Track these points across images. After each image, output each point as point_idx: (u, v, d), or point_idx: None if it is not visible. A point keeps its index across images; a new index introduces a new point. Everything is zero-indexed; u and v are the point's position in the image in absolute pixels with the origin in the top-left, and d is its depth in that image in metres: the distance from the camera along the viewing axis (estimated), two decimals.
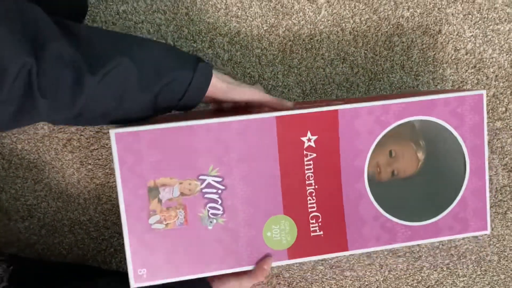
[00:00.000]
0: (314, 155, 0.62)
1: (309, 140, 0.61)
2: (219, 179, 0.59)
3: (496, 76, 0.95)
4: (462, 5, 0.91)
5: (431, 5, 0.91)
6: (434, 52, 0.92)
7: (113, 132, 0.55)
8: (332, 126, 0.62)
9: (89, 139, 0.86)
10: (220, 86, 0.61)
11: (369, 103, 0.64)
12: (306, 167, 0.62)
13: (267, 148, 0.60)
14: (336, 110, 0.62)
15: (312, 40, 0.89)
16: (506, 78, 0.95)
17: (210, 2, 0.85)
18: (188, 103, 0.60)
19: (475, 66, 0.94)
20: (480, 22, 0.93)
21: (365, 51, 0.90)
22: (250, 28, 0.86)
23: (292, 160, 0.61)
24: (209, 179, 0.58)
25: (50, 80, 0.48)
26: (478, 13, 0.92)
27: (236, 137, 0.58)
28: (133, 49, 0.54)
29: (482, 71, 0.94)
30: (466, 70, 0.94)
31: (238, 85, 0.64)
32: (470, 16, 0.92)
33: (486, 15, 0.92)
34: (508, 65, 0.94)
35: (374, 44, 0.90)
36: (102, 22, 0.82)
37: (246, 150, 0.59)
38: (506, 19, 0.93)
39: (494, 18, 0.93)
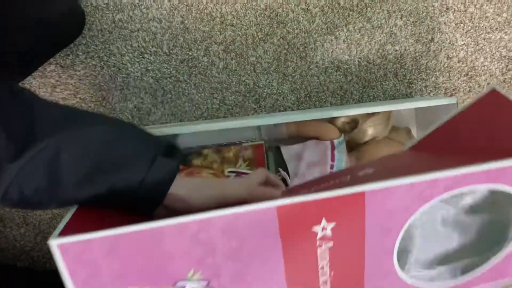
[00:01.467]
0: (331, 244, 0.47)
1: (324, 228, 0.47)
2: (204, 283, 0.46)
3: (488, 83, 0.96)
4: (454, 14, 0.93)
5: (423, 14, 0.92)
6: (426, 60, 0.94)
7: (55, 242, 0.41)
8: (356, 210, 0.46)
9: None
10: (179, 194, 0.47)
11: (405, 178, 0.44)
12: (319, 258, 0.48)
13: (266, 243, 0.46)
14: (363, 193, 0.45)
15: (306, 49, 0.89)
16: (497, 85, 0.96)
17: (205, 11, 0.86)
18: (141, 206, 0.46)
19: (467, 74, 0.95)
20: (472, 31, 0.94)
21: (359, 59, 0.91)
22: (245, 36, 0.87)
23: (301, 252, 0.47)
24: (190, 285, 0.46)
25: None
26: (470, 22, 0.93)
27: (221, 235, 0.45)
28: (73, 127, 0.43)
29: (474, 79, 0.95)
30: (459, 78, 0.95)
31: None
32: (462, 25, 0.93)
33: (477, 24, 0.94)
34: (499, 73, 0.96)
35: (368, 52, 0.91)
36: (98, 31, 0.83)
37: (238, 245, 0.45)
38: (497, 28, 0.94)
39: (485, 27, 0.94)
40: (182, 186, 0.47)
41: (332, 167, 0.83)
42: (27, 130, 0.41)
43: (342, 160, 0.83)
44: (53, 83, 0.83)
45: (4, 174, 0.41)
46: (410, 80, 0.94)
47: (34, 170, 0.41)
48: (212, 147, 0.76)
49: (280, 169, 0.81)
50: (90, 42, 0.83)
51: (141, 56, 0.85)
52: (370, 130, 0.84)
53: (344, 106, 0.90)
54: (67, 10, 0.74)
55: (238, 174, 0.66)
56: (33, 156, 0.41)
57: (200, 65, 0.87)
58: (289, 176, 0.81)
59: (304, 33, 0.89)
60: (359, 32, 0.91)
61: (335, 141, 0.83)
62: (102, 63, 0.84)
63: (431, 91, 0.95)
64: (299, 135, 0.85)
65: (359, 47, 0.91)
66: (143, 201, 0.45)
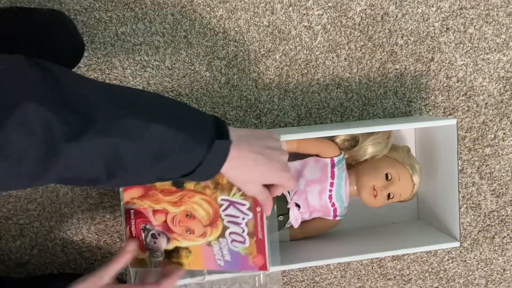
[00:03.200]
0: None
1: None
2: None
3: (486, 103, 0.97)
4: (454, 35, 0.94)
5: (424, 34, 0.93)
6: (426, 79, 0.94)
7: None
8: None
9: None
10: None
11: None
12: None
13: None
14: None
15: (308, 65, 0.90)
16: (495, 105, 0.97)
17: (208, 26, 0.86)
18: (196, 179, 0.52)
19: (465, 94, 0.96)
20: (471, 51, 0.95)
21: (360, 77, 0.92)
22: (247, 52, 0.88)
23: None
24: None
25: (14, 148, 0.39)
26: (469, 42, 0.95)
27: None
28: (136, 111, 0.46)
29: (473, 99, 0.97)
30: (457, 98, 0.96)
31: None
32: (461, 45, 0.94)
33: (477, 45, 0.95)
34: (497, 93, 0.97)
35: (369, 70, 0.92)
36: (100, 43, 0.83)
37: None
38: (495, 49, 0.95)
39: (484, 48, 0.95)
40: (231, 167, 0.53)
41: (332, 184, 0.83)
42: (78, 110, 0.42)
43: (342, 178, 0.84)
44: None
45: (61, 153, 0.41)
46: (409, 99, 0.94)
47: (93, 155, 0.43)
48: None
49: None
50: (92, 54, 0.83)
51: (143, 70, 0.85)
52: (370, 149, 0.85)
53: (345, 123, 0.90)
54: (67, 43, 0.74)
55: (231, 203, 0.65)
56: (91, 139, 0.42)
57: (202, 79, 0.87)
58: (289, 193, 0.81)
59: (306, 50, 0.89)
60: (360, 50, 0.91)
61: (335, 159, 0.83)
62: (103, 76, 0.84)
63: (430, 109, 0.95)
64: (299, 151, 0.85)
65: (360, 65, 0.92)
66: (194, 177, 0.51)
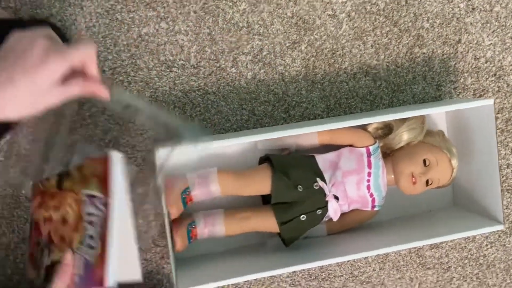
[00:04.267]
0: None
1: None
2: None
3: None
4: (480, 14, 0.92)
5: (449, 15, 0.91)
6: (454, 62, 0.92)
7: None
8: None
9: None
10: None
11: None
12: None
13: None
14: None
15: (334, 55, 0.88)
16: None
17: (232, 21, 0.84)
18: None
19: (495, 74, 0.94)
20: (498, 30, 0.93)
21: (387, 64, 0.90)
22: (272, 45, 0.86)
23: None
24: None
25: None
26: (496, 21, 0.93)
27: None
28: None
29: (503, 79, 0.94)
30: (487, 79, 0.94)
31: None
32: (488, 24, 0.92)
33: (504, 23, 0.93)
34: None
35: (396, 56, 0.90)
36: (124, 46, 0.81)
37: None
38: None
39: (511, 26, 0.93)
40: None
41: (369, 174, 0.81)
42: None
43: (378, 167, 0.82)
44: (81, 100, 0.81)
45: None
46: (438, 83, 0.92)
47: None
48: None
49: (318, 179, 0.79)
50: (117, 57, 0.81)
51: (168, 70, 0.83)
52: (405, 135, 0.83)
53: (375, 111, 0.88)
54: None
55: (89, 199, 0.56)
56: None
57: (228, 76, 0.85)
58: (326, 185, 0.79)
59: (332, 39, 0.88)
60: (387, 36, 0.89)
61: (371, 148, 0.82)
62: (129, 78, 0.82)
63: (460, 92, 0.93)
64: (332, 143, 0.84)
65: (387, 51, 0.90)
66: None
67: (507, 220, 0.98)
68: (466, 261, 0.98)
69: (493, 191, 0.82)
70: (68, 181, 0.59)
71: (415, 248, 0.95)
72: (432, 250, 0.96)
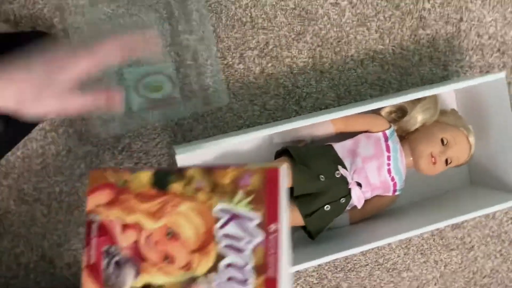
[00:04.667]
0: None
1: None
2: None
3: None
4: None
5: None
6: (458, 41, 0.92)
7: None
8: None
9: None
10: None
11: None
12: None
13: None
14: None
15: (340, 43, 0.88)
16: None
17: (235, 17, 0.83)
18: None
19: (499, 50, 0.94)
20: (498, 6, 0.93)
21: (393, 47, 0.90)
22: (278, 38, 0.85)
23: None
24: None
25: None
26: None
27: None
28: None
29: (507, 54, 0.95)
30: (491, 55, 0.94)
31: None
32: (488, 1, 0.93)
33: None
34: None
35: (401, 39, 0.90)
36: None
37: None
38: None
39: (510, 0, 0.94)
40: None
41: (389, 158, 0.80)
42: None
43: (397, 150, 0.81)
44: None
45: None
46: (445, 63, 0.92)
47: None
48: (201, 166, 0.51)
49: (340, 167, 0.78)
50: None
51: (177, 71, 0.82)
52: (420, 116, 0.82)
53: (386, 96, 0.88)
54: None
55: (233, 217, 0.46)
56: None
57: (236, 73, 0.84)
58: (348, 172, 0.78)
59: (336, 28, 0.87)
60: (390, 20, 0.89)
61: (387, 132, 0.81)
62: None
63: (466, 70, 0.93)
64: (347, 130, 0.83)
65: (391, 35, 0.89)
66: None
67: None
68: (488, 238, 0.97)
69: (510, 164, 0.82)
70: (179, 184, 0.48)
71: (437, 230, 0.94)
72: (454, 231, 0.95)
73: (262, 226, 0.44)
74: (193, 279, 0.45)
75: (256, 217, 0.44)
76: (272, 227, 0.44)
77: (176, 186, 0.47)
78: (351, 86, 0.89)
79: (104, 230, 0.49)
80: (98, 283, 0.48)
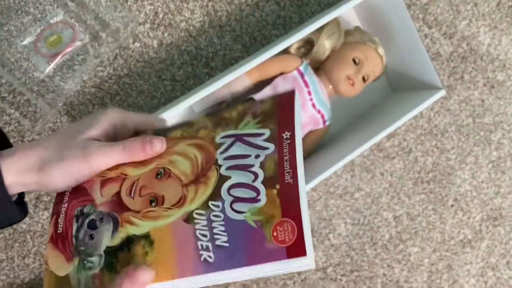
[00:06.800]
0: None
1: None
2: None
3: None
4: None
5: None
6: None
7: None
8: None
9: None
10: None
11: None
12: None
13: None
14: None
15: None
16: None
17: None
18: None
19: None
20: None
21: None
22: (165, 4, 0.81)
23: None
24: None
25: None
26: None
27: None
28: None
29: None
30: None
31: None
32: None
33: None
34: None
35: None
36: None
37: None
38: None
39: None
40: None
41: (310, 93, 0.80)
42: None
43: (315, 83, 0.81)
44: None
45: None
46: None
47: None
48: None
49: None
50: None
51: (71, 70, 0.76)
52: (327, 43, 0.82)
53: (290, 33, 0.87)
54: None
55: (238, 139, 0.40)
56: None
57: (134, 53, 0.80)
58: None
59: None
60: None
61: (301, 68, 0.81)
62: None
63: None
64: (263, 78, 0.82)
65: None
66: None
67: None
68: (423, 137, 1.02)
69: (423, 61, 0.84)
70: (178, 130, 0.43)
71: (374, 144, 0.97)
72: (390, 140, 0.99)
73: (273, 138, 0.39)
74: (188, 216, 0.37)
75: (266, 132, 0.40)
76: (287, 133, 0.39)
77: (175, 133, 0.43)
78: (255, 33, 0.87)
79: (78, 192, 0.41)
80: (66, 252, 0.38)
